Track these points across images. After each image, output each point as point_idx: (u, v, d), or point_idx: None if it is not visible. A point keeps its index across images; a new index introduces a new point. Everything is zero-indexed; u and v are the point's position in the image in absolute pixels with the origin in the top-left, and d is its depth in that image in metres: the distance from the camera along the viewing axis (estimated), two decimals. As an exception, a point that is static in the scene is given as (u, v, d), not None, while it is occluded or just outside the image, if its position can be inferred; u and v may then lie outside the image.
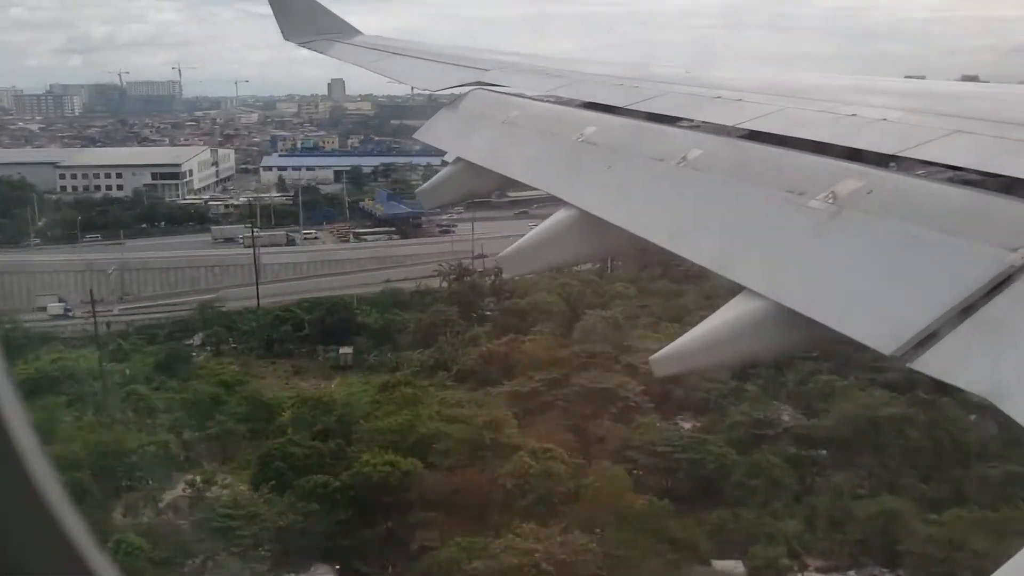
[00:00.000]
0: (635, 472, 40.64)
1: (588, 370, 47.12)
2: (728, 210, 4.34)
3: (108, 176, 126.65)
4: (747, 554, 36.08)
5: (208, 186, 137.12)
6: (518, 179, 6.45)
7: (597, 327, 53.65)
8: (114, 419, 46.76)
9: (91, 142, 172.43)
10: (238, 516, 36.47)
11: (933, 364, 2.79)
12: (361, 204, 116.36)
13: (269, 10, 16.36)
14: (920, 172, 3.71)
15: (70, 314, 74.47)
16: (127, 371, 56.27)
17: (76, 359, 55.54)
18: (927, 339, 2.85)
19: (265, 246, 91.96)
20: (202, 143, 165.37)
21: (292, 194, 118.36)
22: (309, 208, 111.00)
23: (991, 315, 2.77)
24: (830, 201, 3.68)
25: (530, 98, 7.60)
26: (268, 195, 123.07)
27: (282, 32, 16.26)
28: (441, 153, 9.22)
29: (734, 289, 3.74)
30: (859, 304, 3.25)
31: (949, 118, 4.20)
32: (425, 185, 7.64)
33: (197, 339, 68.81)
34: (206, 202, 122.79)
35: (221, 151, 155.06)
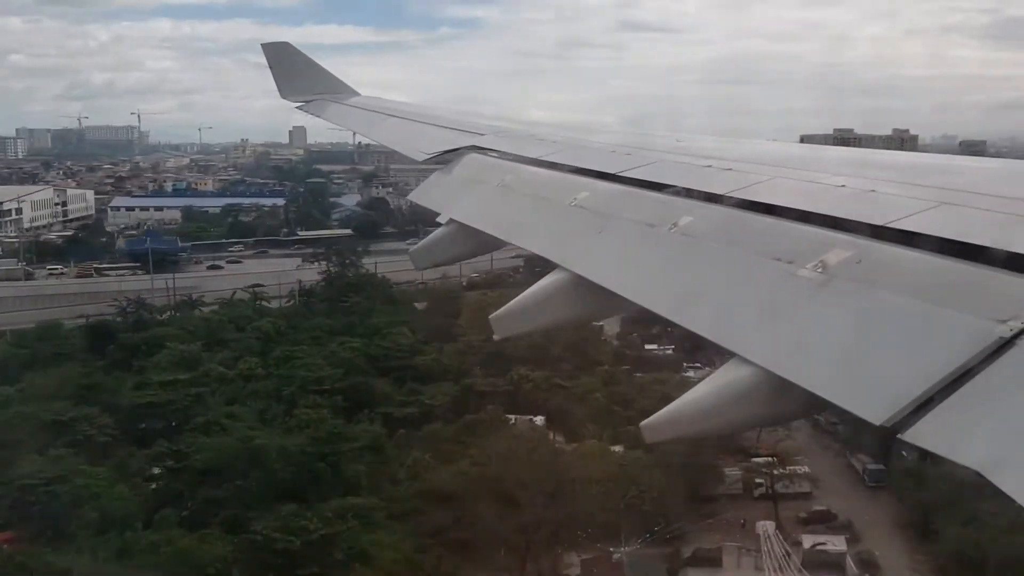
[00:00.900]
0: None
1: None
2: (718, 276, 4.37)
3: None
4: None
5: (48, 224, 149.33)
6: (510, 241, 6.49)
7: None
8: None
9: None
10: None
11: (924, 435, 2.78)
12: (117, 242, 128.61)
13: (266, 60, 16.61)
14: (908, 243, 3.75)
15: None
16: None
17: None
18: (917, 410, 2.84)
19: (2, 280, 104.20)
20: (74, 183, 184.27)
21: (74, 231, 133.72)
22: (86, 245, 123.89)
23: (982, 387, 2.77)
24: (819, 270, 3.71)
25: (524, 162, 7.69)
26: (58, 233, 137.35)
27: (279, 92, 16.47)
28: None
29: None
30: (849, 373, 3.25)
31: (937, 190, 4.27)
32: (418, 245, 7.66)
33: None
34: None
35: (74, 191, 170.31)
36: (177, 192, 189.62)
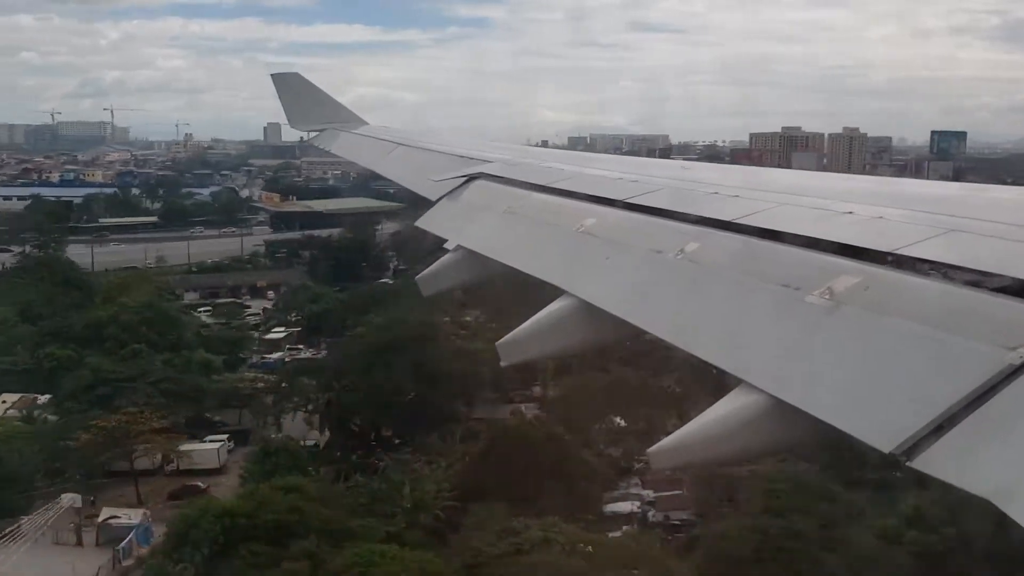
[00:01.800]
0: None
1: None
2: (726, 303, 4.36)
3: None
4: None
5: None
6: (518, 267, 6.49)
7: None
8: None
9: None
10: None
11: (933, 463, 2.75)
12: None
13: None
14: (916, 270, 3.75)
15: None
16: None
17: None
18: (926, 437, 2.82)
19: None
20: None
21: None
22: None
23: (991, 414, 2.75)
24: (827, 297, 3.71)
25: (531, 189, 7.73)
26: None
27: (289, 121, 16.62)
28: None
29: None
30: (857, 401, 3.23)
31: (944, 217, 4.27)
32: (425, 272, 7.67)
33: None
34: None
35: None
36: (65, 183, 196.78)
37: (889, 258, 3.88)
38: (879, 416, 3.07)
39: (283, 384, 59.61)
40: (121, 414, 51.27)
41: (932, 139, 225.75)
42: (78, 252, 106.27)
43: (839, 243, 4.19)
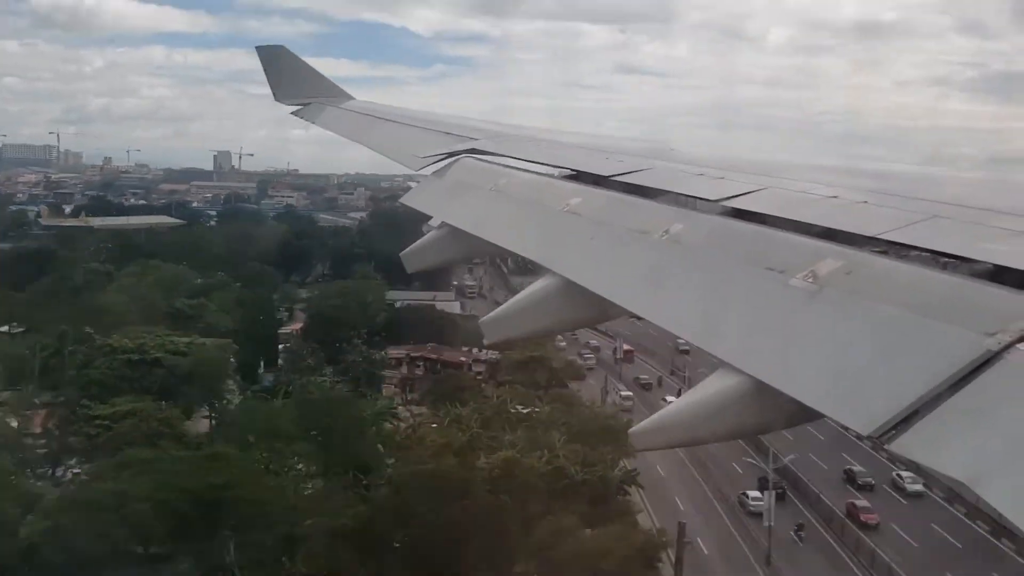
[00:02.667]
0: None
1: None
2: (709, 284, 4.37)
3: None
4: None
5: None
6: (502, 245, 6.47)
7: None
8: None
9: None
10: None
11: (911, 446, 2.78)
12: None
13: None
14: (899, 255, 3.76)
15: None
16: None
17: None
18: (905, 421, 2.84)
19: None
20: None
21: None
22: None
23: (969, 399, 2.77)
24: (810, 280, 3.71)
25: (517, 168, 7.68)
26: None
27: (273, 94, 16.40)
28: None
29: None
30: (838, 383, 3.25)
31: (928, 203, 4.28)
32: (409, 248, 7.63)
33: None
34: None
35: None
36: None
37: (872, 242, 3.88)
38: (859, 399, 3.09)
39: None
40: None
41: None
42: None
43: (823, 227, 4.20)
